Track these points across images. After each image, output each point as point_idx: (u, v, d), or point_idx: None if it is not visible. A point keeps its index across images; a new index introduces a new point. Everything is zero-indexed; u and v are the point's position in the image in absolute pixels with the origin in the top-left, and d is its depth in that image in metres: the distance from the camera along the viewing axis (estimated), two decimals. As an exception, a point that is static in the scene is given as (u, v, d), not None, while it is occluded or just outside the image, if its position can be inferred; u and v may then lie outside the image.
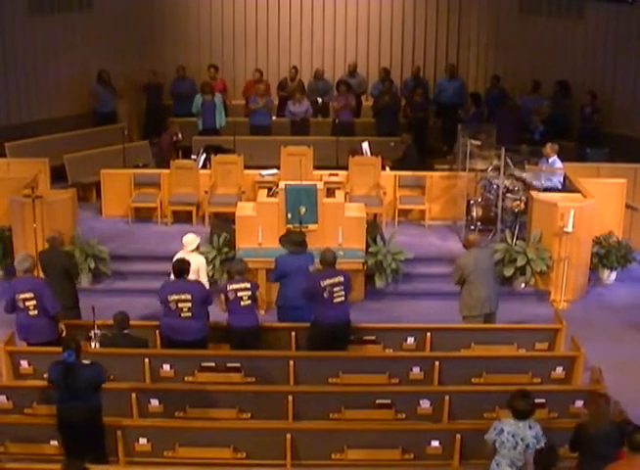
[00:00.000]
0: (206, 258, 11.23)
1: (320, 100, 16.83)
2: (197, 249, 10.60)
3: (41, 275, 10.50)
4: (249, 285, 9.79)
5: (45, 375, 9.03)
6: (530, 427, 7.34)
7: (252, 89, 16.39)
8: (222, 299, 9.79)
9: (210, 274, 11.33)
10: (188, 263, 9.80)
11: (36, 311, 9.52)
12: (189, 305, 9.53)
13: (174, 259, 9.98)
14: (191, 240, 10.54)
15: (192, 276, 10.07)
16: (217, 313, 10.35)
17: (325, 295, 9.67)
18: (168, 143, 15.10)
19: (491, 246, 12.20)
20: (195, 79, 17.04)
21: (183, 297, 9.54)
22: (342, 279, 9.77)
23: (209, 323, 10.03)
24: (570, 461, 7.99)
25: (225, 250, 12.06)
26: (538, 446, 7.33)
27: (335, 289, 9.70)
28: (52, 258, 10.50)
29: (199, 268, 10.36)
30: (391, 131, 15.79)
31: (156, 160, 15.25)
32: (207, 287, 10.25)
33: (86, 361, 8.11)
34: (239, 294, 9.71)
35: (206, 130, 15.78)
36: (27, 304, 9.51)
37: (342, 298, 9.77)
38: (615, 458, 7.28)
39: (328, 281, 9.70)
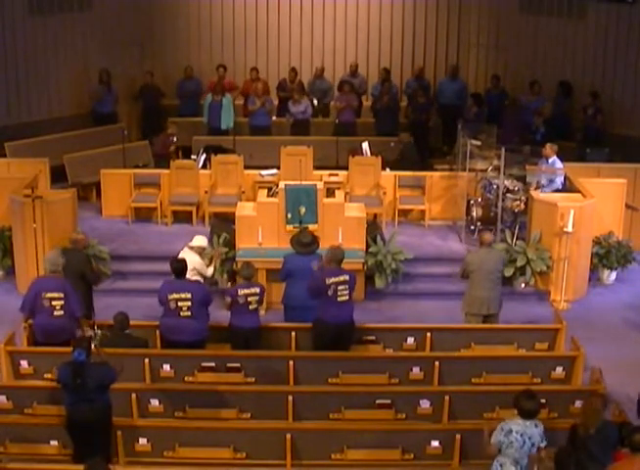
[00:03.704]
0: (209, 259, 11.25)
1: (317, 101, 16.78)
2: (202, 250, 10.77)
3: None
4: (258, 290, 9.83)
5: (46, 375, 9.06)
6: (536, 425, 7.36)
7: (250, 89, 16.39)
8: (228, 301, 9.80)
9: (210, 274, 11.32)
10: (186, 262, 9.82)
11: (62, 312, 9.46)
12: (188, 303, 9.53)
13: (172, 260, 9.98)
14: (199, 241, 10.65)
15: (194, 277, 10.14)
16: (218, 314, 10.36)
17: (329, 293, 9.67)
18: (163, 144, 15.02)
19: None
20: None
21: (183, 296, 9.54)
22: (347, 278, 9.76)
23: (209, 324, 9.96)
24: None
25: (225, 250, 12.06)
26: (542, 445, 7.35)
27: (339, 287, 9.69)
28: (71, 259, 10.51)
29: (195, 267, 10.40)
30: (391, 131, 15.76)
31: (155, 160, 15.23)
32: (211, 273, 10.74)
33: (95, 361, 8.10)
34: (249, 299, 9.75)
35: (210, 130, 15.79)
36: (54, 303, 9.43)
37: (347, 297, 9.77)
38: (611, 460, 7.27)
39: (333, 279, 9.69)
